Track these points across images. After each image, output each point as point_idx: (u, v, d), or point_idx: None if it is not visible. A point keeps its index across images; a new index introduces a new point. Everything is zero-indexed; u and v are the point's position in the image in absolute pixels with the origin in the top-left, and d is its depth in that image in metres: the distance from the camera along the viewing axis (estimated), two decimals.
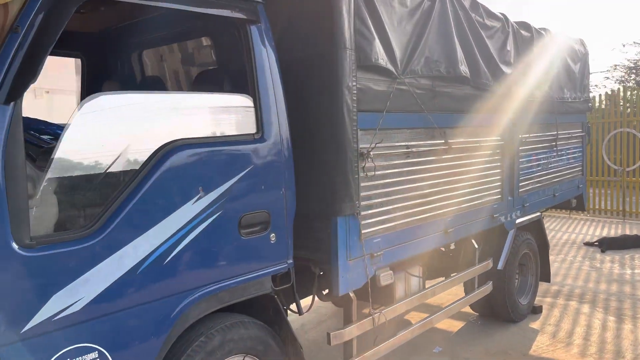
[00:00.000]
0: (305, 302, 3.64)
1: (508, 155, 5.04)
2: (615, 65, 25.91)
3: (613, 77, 26.07)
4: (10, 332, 1.96)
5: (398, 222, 3.70)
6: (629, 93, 13.41)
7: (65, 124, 2.17)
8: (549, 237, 9.81)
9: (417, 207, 3.87)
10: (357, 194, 3.26)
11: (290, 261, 3.05)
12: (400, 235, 3.73)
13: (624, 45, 29.94)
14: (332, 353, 4.05)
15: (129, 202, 2.30)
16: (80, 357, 2.14)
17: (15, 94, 1.99)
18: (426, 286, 4.37)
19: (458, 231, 4.39)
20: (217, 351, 2.66)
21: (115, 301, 2.25)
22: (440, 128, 4.02)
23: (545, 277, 6.16)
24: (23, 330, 1.99)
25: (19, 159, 2.00)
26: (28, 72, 2.02)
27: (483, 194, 4.69)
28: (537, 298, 6.08)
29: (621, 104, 12.59)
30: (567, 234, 10.41)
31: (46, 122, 2.81)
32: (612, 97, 12.74)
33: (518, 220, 5.36)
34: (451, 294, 5.37)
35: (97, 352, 2.18)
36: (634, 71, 25.40)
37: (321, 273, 3.58)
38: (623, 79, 25.54)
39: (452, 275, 4.82)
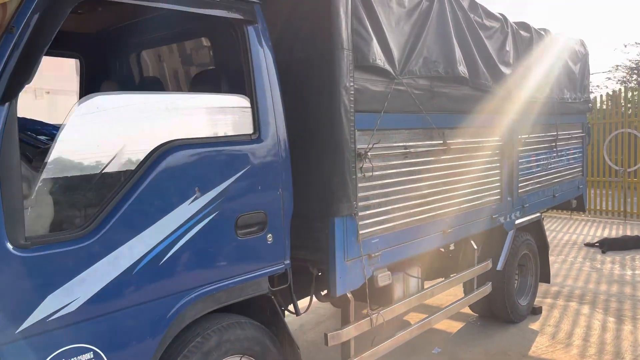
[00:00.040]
0: (304, 302, 3.65)
1: (507, 156, 5.03)
2: (617, 66, 25.89)
3: (615, 77, 26.05)
4: (5, 332, 1.96)
5: (396, 223, 3.70)
6: (630, 94, 13.38)
7: (61, 125, 2.17)
8: (549, 238, 9.85)
9: (416, 207, 3.87)
10: (355, 194, 3.26)
11: (288, 262, 3.05)
12: (399, 236, 3.72)
13: (625, 46, 30.03)
14: (331, 354, 4.05)
15: (124, 202, 2.30)
16: (75, 358, 2.14)
17: (11, 94, 1.99)
18: (425, 287, 4.37)
19: (457, 232, 4.39)
20: (214, 352, 2.65)
21: (111, 302, 2.25)
22: (439, 129, 4.01)
23: (545, 278, 6.15)
24: (18, 330, 1.99)
25: (14, 159, 2.00)
26: (23, 73, 2.03)
27: (482, 194, 4.68)
28: (536, 299, 6.07)
29: (622, 104, 12.56)
30: (567, 235, 10.39)
31: (42, 122, 2.82)
32: (613, 97, 12.72)
33: (517, 221, 5.35)
34: (451, 294, 5.37)
35: (92, 352, 2.18)
36: (635, 72, 25.36)
37: (319, 274, 3.58)
38: (625, 79, 25.50)
39: (451, 276, 4.81)
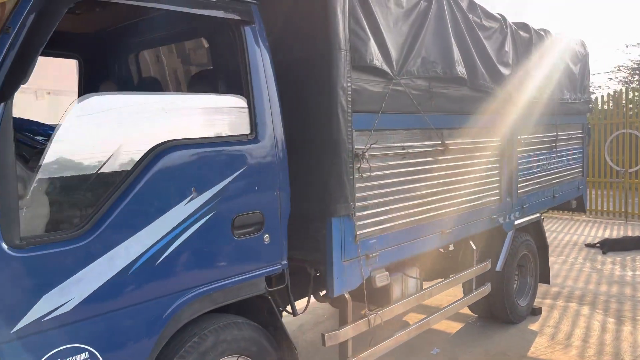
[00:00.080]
0: (303, 303, 3.65)
1: (506, 156, 5.02)
2: (619, 66, 25.86)
3: (616, 78, 26.02)
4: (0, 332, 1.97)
5: (394, 223, 3.69)
6: (631, 94, 13.36)
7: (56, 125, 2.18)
8: (550, 239, 9.87)
9: (414, 208, 3.86)
10: (352, 194, 3.26)
11: (285, 262, 3.05)
12: (397, 236, 3.72)
13: (627, 46, 29.95)
14: (330, 354, 4.05)
15: (120, 202, 2.30)
16: (71, 358, 2.14)
17: (6, 94, 2.00)
18: (424, 287, 4.36)
19: (455, 232, 4.38)
20: (210, 352, 2.65)
21: (106, 302, 2.25)
22: (437, 129, 4.01)
23: (545, 278, 6.14)
24: (13, 330, 1.99)
25: (9, 159, 2.00)
26: (19, 73, 2.03)
27: (481, 195, 4.67)
28: (536, 299, 6.06)
29: (623, 104, 12.54)
30: (568, 235, 10.38)
31: (38, 122, 2.82)
32: (614, 98, 12.70)
33: (517, 222, 5.34)
34: (450, 295, 5.36)
35: (87, 352, 2.19)
36: (637, 72, 25.32)
37: (317, 274, 3.58)
38: (626, 80, 25.47)
39: (450, 276, 4.81)
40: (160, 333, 2.45)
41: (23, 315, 2.01)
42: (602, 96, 13.12)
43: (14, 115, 2.72)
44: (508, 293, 5.36)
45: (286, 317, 3.43)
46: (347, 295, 3.43)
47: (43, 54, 3.52)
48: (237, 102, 2.83)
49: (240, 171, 2.76)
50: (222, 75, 3.17)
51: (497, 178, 4.93)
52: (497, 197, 4.95)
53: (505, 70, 4.83)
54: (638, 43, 27.29)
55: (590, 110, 7.32)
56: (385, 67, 3.44)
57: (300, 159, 3.14)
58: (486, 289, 5.08)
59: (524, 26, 5.45)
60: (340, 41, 3.07)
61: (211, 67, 3.63)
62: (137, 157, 2.37)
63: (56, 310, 2.09)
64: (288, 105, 3.05)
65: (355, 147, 3.26)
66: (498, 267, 5.13)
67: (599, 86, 26.01)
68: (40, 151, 2.44)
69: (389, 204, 3.63)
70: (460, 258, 4.96)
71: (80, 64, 3.99)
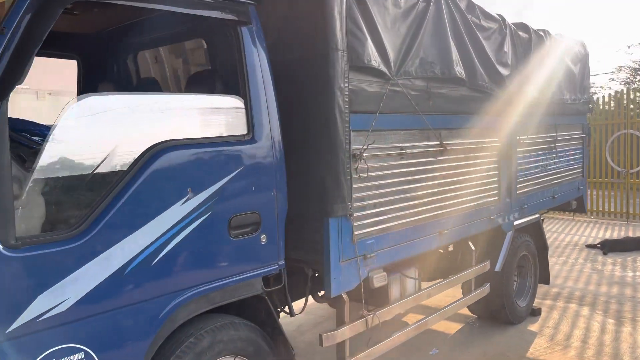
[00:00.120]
0: (300, 303, 3.65)
1: (506, 157, 5.02)
2: (621, 67, 25.77)
3: (618, 78, 25.94)
4: None
5: (392, 224, 3.69)
6: (632, 95, 13.33)
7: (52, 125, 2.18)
8: (551, 239, 9.87)
9: (412, 208, 3.86)
10: (350, 195, 3.26)
11: (282, 262, 3.05)
12: (395, 236, 3.72)
13: (629, 47, 29.84)
14: (328, 355, 4.04)
15: (116, 203, 2.31)
16: (66, 358, 2.15)
17: (1, 94, 2.00)
18: (422, 288, 4.36)
19: (454, 233, 4.38)
20: (207, 352, 2.66)
21: (102, 302, 2.25)
22: (436, 129, 4.01)
23: (545, 279, 6.13)
24: (8, 330, 2.00)
25: (4, 159, 2.00)
26: (14, 73, 2.03)
27: (479, 195, 4.67)
28: (536, 300, 6.06)
29: (624, 104, 12.52)
30: (569, 236, 10.36)
31: (34, 122, 2.83)
32: (616, 98, 12.68)
33: (516, 222, 5.34)
34: (450, 296, 5.35)
35: (83, 352, 2.19)
36: (639, 73, 25.25)
37: (316, 275, 3.58)
38: (628, 80, 25.40)
39: (449, 277, 4.80)
40: (156, 333, 2.45)
41: (18, 316, 2.02)
42: (604, 96, 13.10)
43: (12, 116, 2.74)
44: (507, 294, 5.35)
45: (286, 318, 3.43)
46: (344, 296, 3.42)
47: (42, 55, 3.54)
48: (234, 102, 2.83)
49: (237, 171, 2.77)
50: (219, 75, 3.17)
51: (496, 179, 4.92)
52: (496, 198, 4.94)
53: (504, 71, 4.83)
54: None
55: (590, 111, 7.31)
56: (382, 68, 3.44)
57: (298, 160, 3.15)
58: (485, 290, 5.07)
59: (523, 26, 5.45)
60: (337, 41, 3.07)
61: (209, 68, 3.63)
62: (133, 158, 2.38)
63: (51, 311, 2.10)
64: (285, 105, 3.05)
65: (353, 147, 3.27)
66: (497, 268, 5.13)
67: (601, 87, 25.93)
68: (36, 151, 2.45)
69: (386, 204, 3.62)
70: (459, 258, 4.95)
71: (79, 64, 3.99)
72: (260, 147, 2.89)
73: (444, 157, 4.15)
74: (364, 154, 3.33)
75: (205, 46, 3.62)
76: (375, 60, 3.37)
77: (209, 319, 2.76)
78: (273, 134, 2.95)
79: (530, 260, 5.85)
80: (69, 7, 2.81)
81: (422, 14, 3.82)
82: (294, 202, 3.07)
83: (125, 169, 2.35)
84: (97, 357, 2.23)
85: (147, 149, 2.42)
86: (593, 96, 15.90)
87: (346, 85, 3.16)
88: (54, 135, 2.17)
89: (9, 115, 2.09)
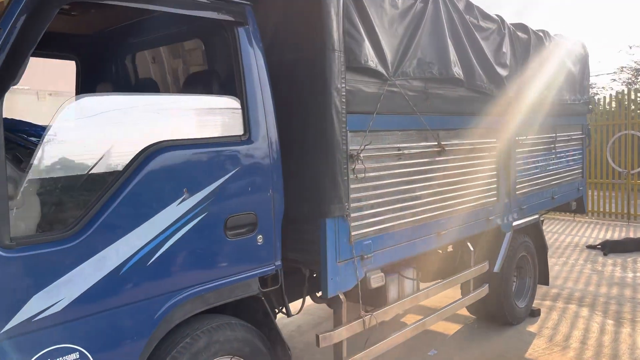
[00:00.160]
0: (298, 304, 3.65)
1: (504, 157, 5.01)
2: (622, 67, 25.75)
3: (620, 79, 25.91)
4: None
5: (390, 225, 3.69)
6: (633, 95, 13.31)
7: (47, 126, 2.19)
8: (551, 240, 9.86)
9: (410, 209, 3.86)
10: (347, 195, 3.26)
11: (279, 263, 3.05)
12: (392, 237, 3.71)
13: (630, 47, 29.81)
14: (329, 355, 4.04)
15: (111, 203, 2.31)
16: (61, 358, 2.15)
17: None
18: (421, 289, 4.35)
19: (452, 233, 4.37)
20: (203, 352, 2.66)
21: (97, 302, 2.25)
22: (433, 130, 4.01)
23: (544, 280, 6.12)
24: (2, 330, 2.00)
25: None
26: (9, 74, 2.04)
27: (478, 196, 4.66)
28: (536, 301, 6.05)
29: (626, 105, 12.50)
30: (570, 237, 10.35)
31: (30, 123, 2.83)
32: (617, 99, 12.66)
33: (515, 223, 5.33)
34: (449, 296, 5.34)
35: (78, 352, 2.19)
36: None
37: (314, 275, 3.58)
38: (630, 81, 25.36)
39: (448, 277, 4.79)
40: (152, 334, 2.46)
41: (13, 316, 2.02)
42: (605, 97, 13.08)
43: (12, 117, 2.75)
44: (506, 294, 5.35)
45: (285, 318, 3.43)
46: (341, 296, 3.42)
47: (40, 55, 3.56)
48: (230, 103, 2.84)
49: (233, 172, 2.77)
50: (217, 76, 3.18)
51: (495, 179, 4.92)
52: (495, 199, 4.93)
53: (502, 71, 4.83)
54: None
55: (590, 111, 7.30)
56: (380, 68, 3.44)
57: (295, 160, 3.15)
58: (484, 290, 5.07)
59: (522, 27, 5.44)
60: (334, 42, 3.08)
61: (206, 68, 3.64)
62: (129, 158, 2.38)
63: (46, 311, 2.10)
64: (282, 106, 3.05)
65: (350, 148, 3.27)
66: (496, 269, 5.12)
67: (603, 87, 25.91)
68: (32, 152, 2.46)
69: (384, 205, 3.62)
70: (458, 259, 4.95)
71: (77, 65, 4.00)
72: (257, 148, 2.89)
73: (442, 158, 4.15)
74: (361, 155, 3.33)
75: (203, 47, 3.63)
76: (373, 61, 3.37)
77: (206, 319, 2.76)
78: (269, 134, 2.95)
79: (530, 261, 5.84)
80: (66, 8, 2.84)
81: (420, 15, 3.82)
82: (290, 203, 3.07)
83: (120, 169, 2.36)
84: (92, 357, 2.24)
85: (142, 150, 2.42)
86: (595, 97, 15.90)
87: (343, 85, 3.16)
88: (49, 136, 2.17)
89: (6, 116, 2.10)
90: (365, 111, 3.39)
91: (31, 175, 2.13)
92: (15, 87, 2.08)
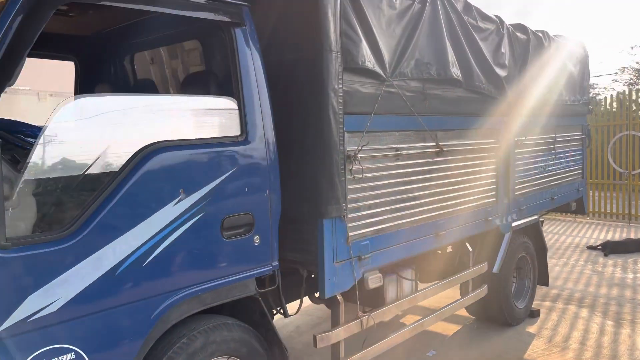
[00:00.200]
0: (296, 304, 3.65)
1: (503, 158, 5.01)
2: (624, 68, 25.71)
3: (621, 79, 25.87)
4: None
5: (388, 225, 3.69)
6: (635, 96, 13.29)
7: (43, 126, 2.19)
8: (552, 241, 9.85)
9: (408, 209, 3.86)
10: (344, 196, 3.26)
11: (276, 263, 3.05)
12: (390, 238, 3.71)
13: (632, 48, 29.68)
14: (325, 356, 4.05)
15: (108, 203, 2.32)
16: (56, 358, 2.15)
17: None
18: (420, 289, 4.35)
19: (451, 234, 4.37)
20: (200, 353, 2.66)
21: (93, 302, 2.26)
22: (432, 131, 4.01)
23: (544, 280, 6.11)
24: None
25: None
26: (5, 75, 2.05)
27: (476, 196, 4.66)
28: (535, 302, 6.04)
29: (627, 105, 12.48)
30: (570, 238, 10.34)
31: (27, 124, 2.84)
32: (618, 99, 12.64)
33: (514, 224, 5.32)
34: (448, 297, 5.34)
35: (73, 352, 2.20)
36: None
37: (312, 275, 3.58)
38: (631, 81, 25.33)
39: (447, 278, 4.79)
40: (148, 334, 2.46)
41: (8, 316, 2.03)
42: (606, 97, 13.05)
43: (12, 117, 2.76)
44: (505, 295, 5.34)
45: (284, 319, 3.43)
46: (339, 297, 3.43)
47: (39, 56, 3.57)
48: (227, 103, 2.84)
49: (230, 172, 2.77)
50: (214, 76, 3.18)
51: (494, 180, 4.91)
52: (494, 199, 4.93)
53: (501, 72, 4.82)
54: None
55: (590, 112, 7.29)
56: (377, 69, 3.44)
57: (292, 161, 3.15)
58: (483, 291, 5.07)
59: (521, 27, 5.44)
60: (332, 43, 3.08)
61: (204, 69, 3.64)
62: (125, 158, 2.38)
63: (42, 311, 2.11)
64: (279, 106, 3.06)
65: (347, 148, 3.27)
66: (495, 269, 5.12)
67: (604, 88, 25.88)
68: (29, 152, 2.47)
69: (381, 205, 3.62)
70: (456, 260, 4.94)
71: (76, 65, 4.01)
72: (254, 148, 2.90)
73: (441, 159, 4.14)
74: (359, 155, 3.33)
75: (201, 47, 3.63)
76: (370, 62, 3.37)
77: (202, 319, 2.76)
78: (267, 135, 2.96)
79: (529, 261, 5.84)
80: (64, 8, 2.85)
81: (418, 16, 3.82)
82: (287, 204, 3.07)
83: (117, 169, 2.36)
84: (88, 358, 2.24)
85: (139, 150, 2.43)
86: (596, 97, 15.88)
87: (340, 86, 3.16)
88: (45, 136, 2.17)
89: (5, 117, 2.11)
90: (362, 112, 3.39)
91: (27, 175, 2.14)
92: (15, 87, 2.09)
